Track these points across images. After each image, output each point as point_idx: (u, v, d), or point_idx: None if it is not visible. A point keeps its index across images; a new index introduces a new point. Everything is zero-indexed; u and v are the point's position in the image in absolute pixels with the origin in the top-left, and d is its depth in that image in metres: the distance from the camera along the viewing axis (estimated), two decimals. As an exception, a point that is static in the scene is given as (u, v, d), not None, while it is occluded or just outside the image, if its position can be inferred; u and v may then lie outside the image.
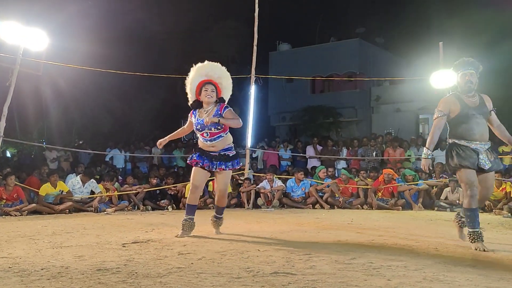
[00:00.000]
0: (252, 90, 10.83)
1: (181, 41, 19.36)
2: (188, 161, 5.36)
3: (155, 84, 17.61)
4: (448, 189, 9.93)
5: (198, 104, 5.18)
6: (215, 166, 5.15)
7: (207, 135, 5.10)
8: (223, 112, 5.06)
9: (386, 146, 12.87)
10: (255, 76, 10.91)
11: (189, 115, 5.28)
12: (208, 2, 19.95)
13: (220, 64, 5.40)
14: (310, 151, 13.39)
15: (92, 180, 9.74)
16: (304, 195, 10.50)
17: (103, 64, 11.09)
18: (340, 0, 25.41)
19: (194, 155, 5.22)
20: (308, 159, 13.33)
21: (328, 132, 19.31)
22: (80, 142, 16.97)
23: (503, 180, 9.68)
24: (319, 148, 13.46)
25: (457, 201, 9.69)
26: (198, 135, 5.19)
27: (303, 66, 21.64)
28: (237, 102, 21.90)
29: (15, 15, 8.20)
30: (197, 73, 5.22)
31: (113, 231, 5.67)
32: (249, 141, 10.93)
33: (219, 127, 5.06)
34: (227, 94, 5.37)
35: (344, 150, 13.47)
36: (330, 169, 11.21)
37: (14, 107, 14.27)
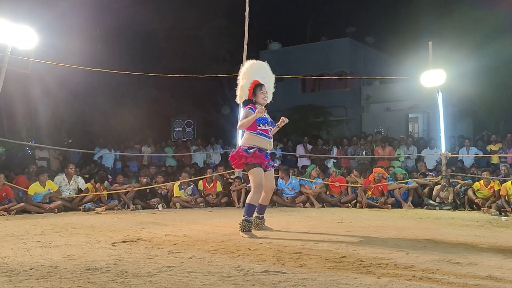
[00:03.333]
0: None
1: (172, 40, 19.27)
2: (251, 156, 5.17)
3: (145, 82, 17.52)
4: (438, 187, 10.00)
5: (252, 102, 5.32)
6: (272, 164, 5.42)
7: (270, 132, 5.36)
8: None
9: (375, 145, 12.93)
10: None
11: (252, 107, 5.27)
12: (199, 1, 19.90)
13: (267, 64, 5.60)
14: (300, 150, 13.42)
15: (77, 175, 9.71)
16: (294, 195, 10.51)
17: (93, 63, 11.02)
18: (330, 0, 25.49)
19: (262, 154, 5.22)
20: (298, 158, 13.36)
21: (318, 131, 19.32)
22: (70, 141, 16.85)
23: (492, 179, 9.76)
24: (309, 147, 13.49)
25: (448, 200, 9.77)
26: (261, 130, 5.27)
27: (293, 65, 21.65)
28: (228, 101, 21.90)
29: (3, 12, 8.11)
30: (252, 70, 5.39)
31: (103, 230, 5.64)
32: (239, 140, 10.89)
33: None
34: (271, 96, 5.64)
35: (334, 149, 13.51)
36: (317, 169, 11.25)
37: (2, 106, 14.15)
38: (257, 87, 5.35)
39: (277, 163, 5.38)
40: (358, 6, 24.18)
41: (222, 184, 10.87)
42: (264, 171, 5.28)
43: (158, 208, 9.68)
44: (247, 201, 5.21)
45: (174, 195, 10.12)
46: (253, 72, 5.41)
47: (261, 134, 5.28)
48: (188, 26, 19.74)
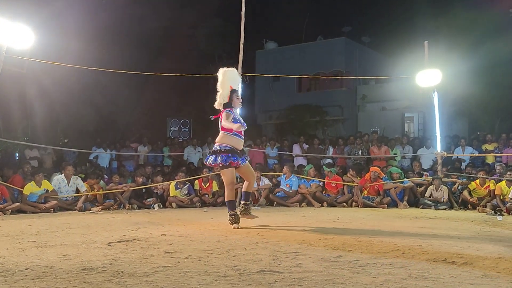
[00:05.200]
0: (239, 88, 10.81)
1: (168, 39, 19.25)
2: (224, 163, 5.70)
3: (141, 82, 17.49)
4: (432, 186, 10.03)
5: (230, 105, 5.84)
6: (244, 160, 5.85)
7: (243, 132, 5.89)
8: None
9: (371, 145, 12.96)
10: (241, 75, 10.89)
11: (230, 111, 5.77)
12: (195, 1, 19.87)
13: (235, 69, 6.15)
14: (296, 149, 13.43)
15: (76, 177, 9.67)
16: (290, 191, 10.54)
17: (88, 62, 10.97)
18: (326, -1, 25.53)
19: (230, 157, 5.69)
20: (295, 158, 13.37)
21: (314, 130, 19.36)
22: (66, 141, 16.81)
23: (487, 178, 9.80)
24: (305, 146, 13.50)
25: (442, 199, 9.80)
26: (236, 131, 5.76)
27: (289, 65, 21.67)
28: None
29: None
30: (227, 77, 5.93)
31: (99, 230, 5.63)
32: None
33: None
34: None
35: (330, 149, 13.52)
36: (315, 168, 11.30)
37: (-2, 105, 14.06)
38: (233, 93, 5.89)
39: (248, 158, 6.02)
40: (354, 5, 24.21)
41: (218, 184, 10.86)
42: (237, 167, 5.84)
43: (154, 208, 9.67)
44: (225, 199, 5.86)
45: (170, 195, 10.11)
46: (227, 80, 5.93)
47: (235, 134, 5.80)
48: (184, 25, 19.70)
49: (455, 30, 15.62)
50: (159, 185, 10.24)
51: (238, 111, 6.00)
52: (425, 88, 10.93)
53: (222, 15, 20.49)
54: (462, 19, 15.76)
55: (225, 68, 6.03)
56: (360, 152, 12.85)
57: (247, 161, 6.00)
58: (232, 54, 16.23)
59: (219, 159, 5.70)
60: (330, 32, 22.96)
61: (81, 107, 16.04)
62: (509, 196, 8.88)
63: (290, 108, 20.91)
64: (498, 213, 8.51)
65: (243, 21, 10.85)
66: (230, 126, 5.64)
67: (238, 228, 5.62)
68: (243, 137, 5.95)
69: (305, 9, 25.44)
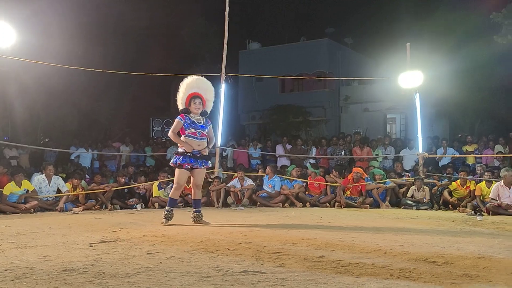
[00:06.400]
0: (222, 88, 10.81)
1: (151, 39, 19.15)
2: (177, 164, 6.10)
3: (124, 81, 17.36)
4: (414, 187, 10.13)
5: (187, 110, 6.21)
6: (200, 164, 6.14)
7: (199, 134, 6.18)
8: (208, 127, 6.30)
9: (354, 145, 13.05)
10: (225, 75, 10.91)
11: (181, 117, 6.16)
12: (178, 1, 19.80)
13: (205, 79, 6.47)
14: (279, 150, 13.46)
15: (57, 177, 9.54)
16: (273, 192, 10.55)
17: (71, 61, 10.87)
18: (310, 0, 25.65)
19: (184, 159, 6.06)
20: (278, 158, 13.40)
21: (297, 131, 19.43)
22: (46, 140, 16.59)
23: (468, 179, 9.93)
24: (289, 147, 13.53)
25: (424, 199, 9.90)
26: (189, 133, 6.15)
27: (273, 65, 21.72)
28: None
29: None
30: (188, 86, 6.25)
31: (80, 230, 5.57)
32: (219, 140, 10.89)
33: (206, 131, 6.25)
34: (210, 105, 6.46)
35: (313, 149, 13.59)
36: (298, 168, 11.33)
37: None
38: (191, 99, 6.19)
39: (208, 164, 6.37)
40: (337, 7, 24.39)
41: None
42: (192, 169, 6.15)
43: (136, 208, 9.60)
44: (169, 196, 6.30)
45: (153, 195, 10.05)
46: (192, 86, 6.26)
47: (189, 136, 6.15)
48: (168, 25, 19.62)
49: (437, 33, 15.82)
50: (141, 185, 10.17)
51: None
52: (407, 89, 11.05)
53: (206, 15, 20.46)
54: (444, 22, 15.98)
55: (194, 76, 6.40)
56: (343, 152, 12.93)
57: (203, 167, 6.25)
58: (215, 54, 16.18)
59: (172, 161, 6.25)
60: (313, 33, 23.12)
61: (62, 106, 15.86)
62: (489, 197, 9.01)
63: (273, 108, 20.97)
64: (478, 213, 8.62)
65: (227, 22, 10.86)
66: (175, 140, 6.24)
67: (164, 224, 6.00)
68: (200, 138, 6.19)
69: (289, 10, 25.56)
